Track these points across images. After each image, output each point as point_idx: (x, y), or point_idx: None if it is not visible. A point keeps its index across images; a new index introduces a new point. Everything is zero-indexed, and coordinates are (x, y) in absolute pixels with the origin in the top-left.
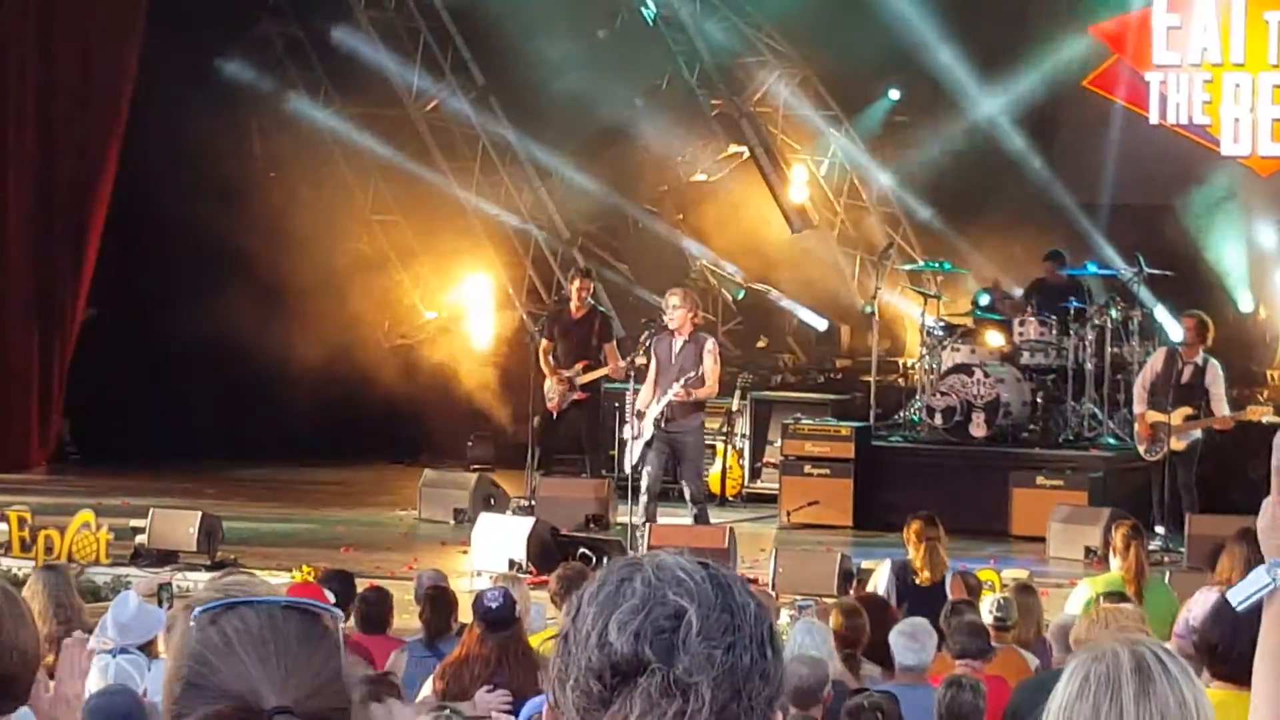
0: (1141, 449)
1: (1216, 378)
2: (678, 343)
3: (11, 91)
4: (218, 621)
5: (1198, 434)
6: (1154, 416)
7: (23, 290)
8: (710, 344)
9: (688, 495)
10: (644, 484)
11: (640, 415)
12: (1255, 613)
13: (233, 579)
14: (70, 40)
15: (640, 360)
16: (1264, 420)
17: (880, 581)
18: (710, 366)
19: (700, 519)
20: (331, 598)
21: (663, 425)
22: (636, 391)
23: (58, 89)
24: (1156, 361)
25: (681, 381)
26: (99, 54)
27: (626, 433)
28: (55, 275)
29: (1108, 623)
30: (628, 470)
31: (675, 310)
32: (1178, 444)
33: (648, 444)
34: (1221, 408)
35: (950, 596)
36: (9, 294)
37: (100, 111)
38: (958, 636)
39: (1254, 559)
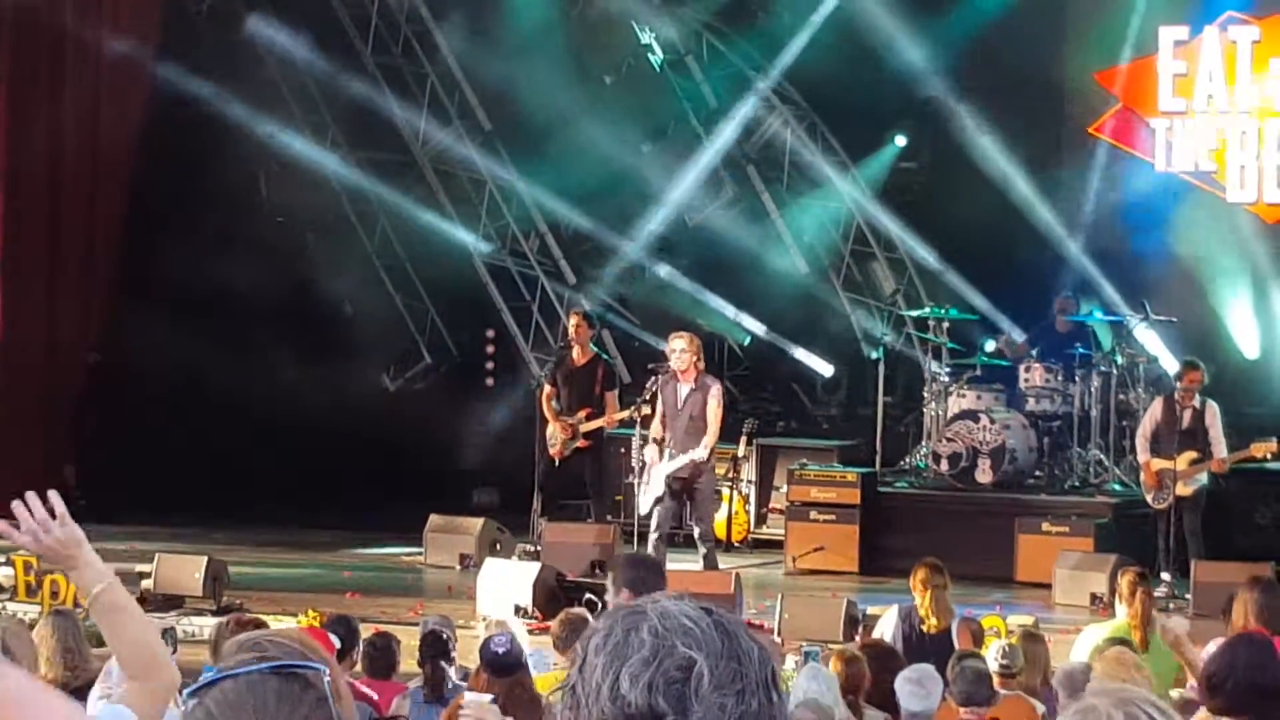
0: (1149, 498)
1: (1215, 419)
2: (684, 388)
3: (21, 137)
4: (203, 700)
5: (1204, 479)
6: (1159, 464)
7: (30, 336)
8: (716, 389)
9: (697, 534)
10: (653, 525)
11: (645, 465)
12: (1252, 646)
13: (246, 635)
14: (79, 86)
15: (645, 410)
16: (1268, 459)
17: (886, 628)
18: (714, 411)
19: (710, 558)
20: (337, 642)
21: (673, 478)
22: (643, 438)
23: (66, 135)
24: (1156, 409)
25: (691, 456)
26: (108, 100)
27: (632, 479)
28: (62, 321)
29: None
30: (638, 514)
31: (680, 354)
32: (1184, 489)
33: (658, 499)
34: (1220, 449)
35: (956, 643)
36: (16, 339)
37: (108, 157)
38: (961, 683)
39: (1267, 605)
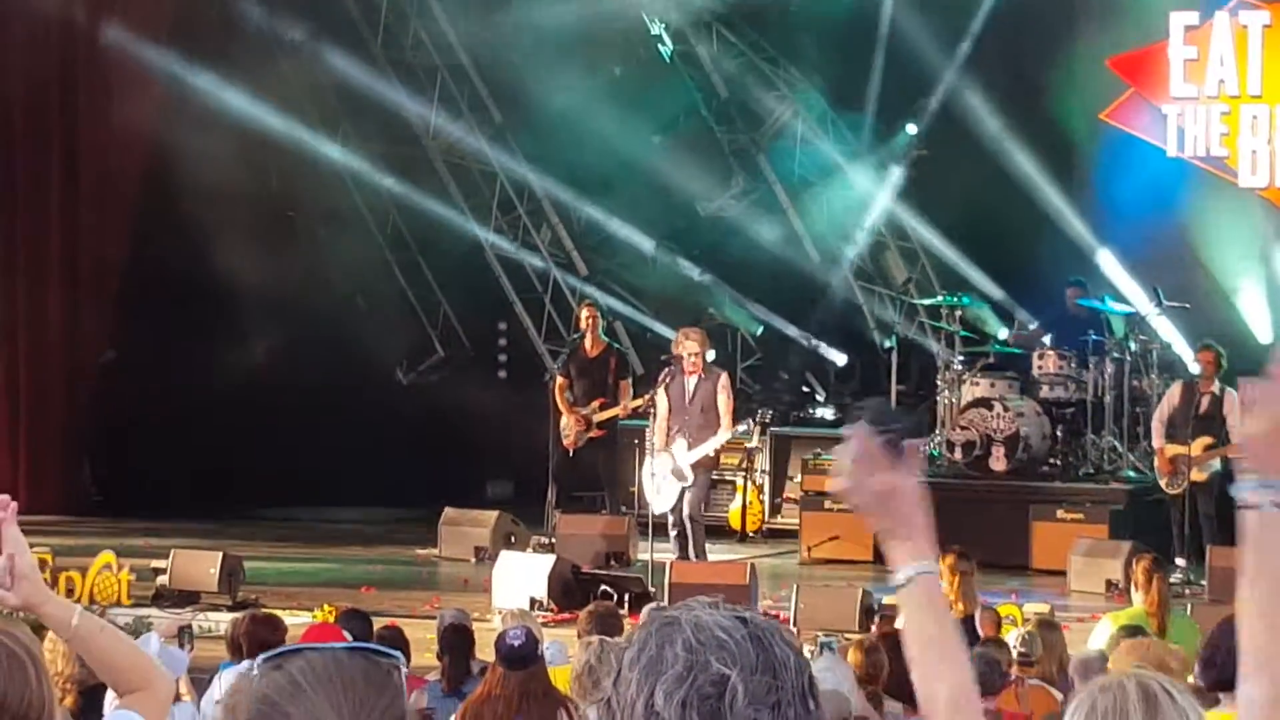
0: (1163, 483)
1: (1234, 406)
2: (691, 381)
3: (36, 137)
4: (283, 666)
5: (1218, 465)
6: (1173, 450)
7: (46, 333)
8: (724, 379)
9: (685, 514)
10: (686, 514)
11: (655, 451)
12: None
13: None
14: (93, 83)
15: (658, 399)
16: None
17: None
18: (725, 403)
19: (682, 540)
20: (349, 637)
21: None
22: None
23: (81, 132)
24: (1173, 395)
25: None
26: (119, 94)
27: (645, 470)
28: (78, 317)
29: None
30: (651, 509)
31: (689, 349)
32: (1198, 475)
33: (685, 488)
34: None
35: (980, 631)
36: (33, 337)
37: (121, 153)
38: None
39: None
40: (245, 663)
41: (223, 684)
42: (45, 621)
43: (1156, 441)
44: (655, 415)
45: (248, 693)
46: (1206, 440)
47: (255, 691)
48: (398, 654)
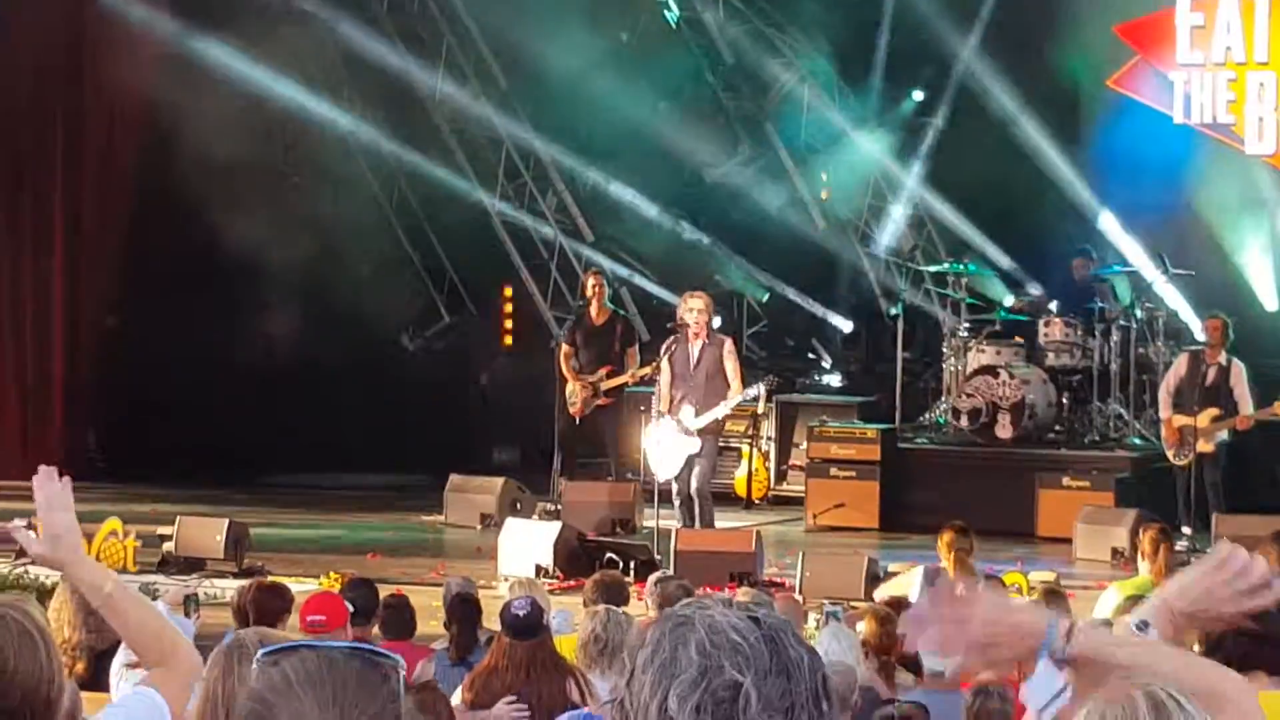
0: (1170, 454)
1: (1240, 378)
2: (695, 347)
3: (39, 100)
4: (280, 663)
5: (1224, 435)
6: (1180, 420)
7: (48, 299)
8: (729, 345)
9: (693, 488)
10: (692, 483)
11: (661, 416)
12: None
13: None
14: (98, 51)
15: (663, 367)
16: None
17: (913, 588)
18: (733, 368)
19: (688, 509)
20: (350, 607)
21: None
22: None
23: (85, 97)
24: (1180, 365)
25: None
26: (124, 63)
27: (649, 438)
28: (81, 284)
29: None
30: (656, 477)
31: (694, 314)
32: (1205, 445)
33: (694, 454)
34: (1246, 407)
35: None
36: (34, 303)
37: (124, 121)
38: None
39: None
40: (227, 634)
41: None
42: (77, 584)
43: (1164, 412)
44: (659, 383)
45: (223, 684)
46: (1213, 412)
47: (253, 688)
48: (397, 657)
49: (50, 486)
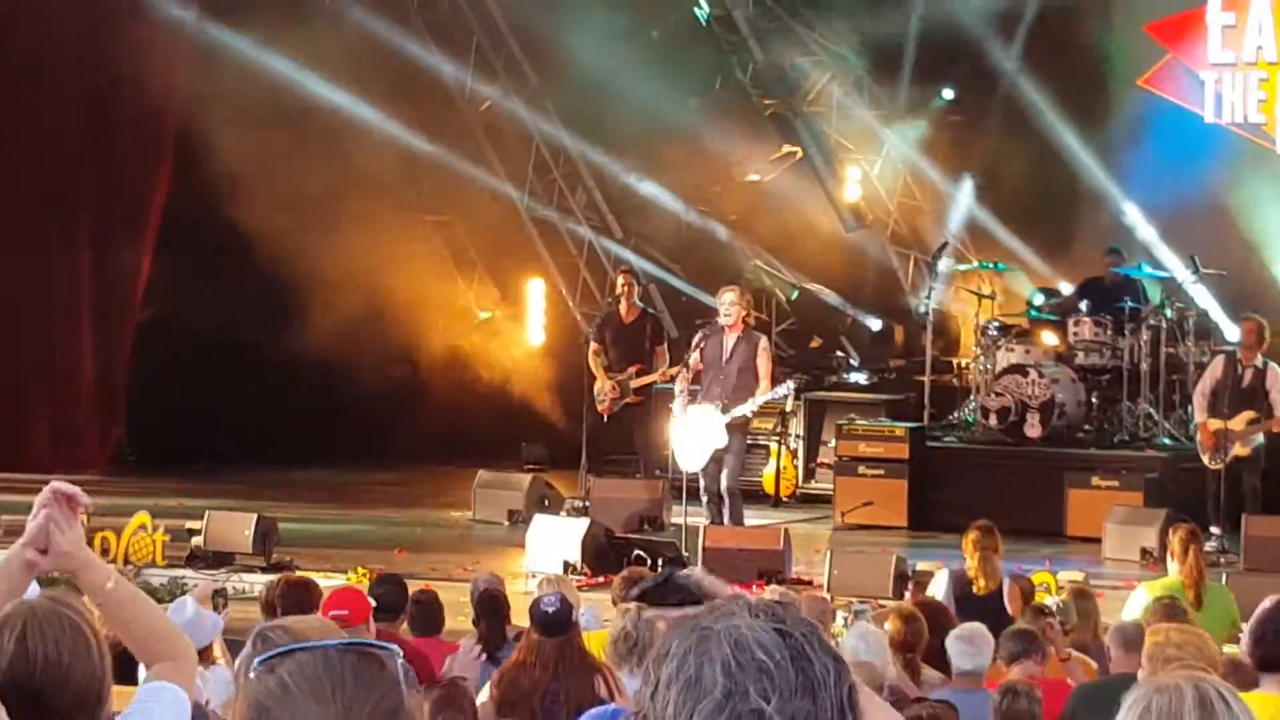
0: (1205, 458)
1: (1277, 380)
2: (730, 339)
3: (69, 93)
4: (275, 670)
5: (1261, 438)
6: (1216, 424)
7: (81, 292)
8: (764, 342)
9: (723, 486)
10: (704, 485)
11: (685, 406)
12: None
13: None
14: (125, 45)
15: (691, 358)
16: None
17: (939, 589)
18: (765, 366)
19: (716, 506)
20: (372, 601)
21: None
22: (692, 394)
23: (116, 91)
24: (1216, 368)
25: (752, 404)
26: (154, 58)
27: (675, 429)
28: (113, 277)
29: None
30: (683, 467)
31: (730, 307)
32: (1242, 449)
33: (722, 450)
34: None
35: (1007, 602)
36: (67, 296)
37: (154, 115)
38: (1005, 644)
39: None
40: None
41: None
42: (79, 585)
43: (1199, 416)
44: (686, 368)
45: (244, 700)
46: (1249, 415)
47: (251, 698)
48: (393, 646)
49: (58, 509)
